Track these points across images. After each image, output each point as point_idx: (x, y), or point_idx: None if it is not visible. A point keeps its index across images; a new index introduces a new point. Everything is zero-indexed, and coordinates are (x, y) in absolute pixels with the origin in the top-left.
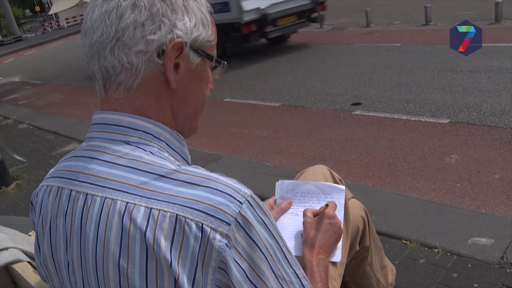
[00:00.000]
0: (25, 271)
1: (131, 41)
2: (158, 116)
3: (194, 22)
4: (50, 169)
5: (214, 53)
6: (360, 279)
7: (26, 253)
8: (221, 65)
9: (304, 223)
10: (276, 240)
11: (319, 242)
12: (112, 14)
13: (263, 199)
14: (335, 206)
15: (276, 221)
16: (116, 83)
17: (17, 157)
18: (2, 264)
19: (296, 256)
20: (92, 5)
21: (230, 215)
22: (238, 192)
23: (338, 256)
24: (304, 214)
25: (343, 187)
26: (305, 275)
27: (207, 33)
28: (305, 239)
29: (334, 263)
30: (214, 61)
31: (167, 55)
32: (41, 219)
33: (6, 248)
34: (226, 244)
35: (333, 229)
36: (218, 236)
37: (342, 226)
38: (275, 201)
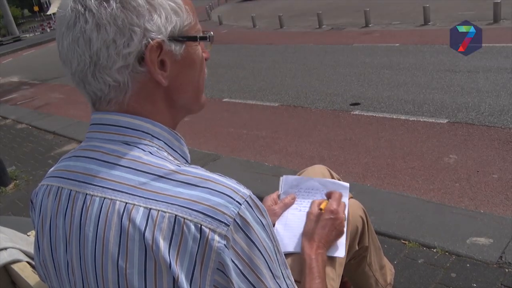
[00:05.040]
0: (24, 271)
1: (108, 62)
2: (155, 116)
3: (165, 15)
4: (49, 169)
5: (197, 29)
6: (359, 279)
7: (25, 253)
8: (208, 39)
9: (307, 214)
10: (272, 241)
11: (318, 235)
12: (80, 42)
13: (261, 199)
14: (338, 199)
15: (279, 216)
16: (106, 100)
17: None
18: (1, 264)
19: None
20: (58, 35)
21: (229, 216)
22: (237, 193)
23: (341, 251)
24: (311, 205)
25: (347, 184)
26: (289, 274)
27: (181, 19)
28: (305, 231)
29: (333, 264)
30: (198, 40)
31: (148, 60)
32: (41, 219)
33: (5, 248)
34: (224, 245)
35: (333, 224)
36: (216, 237)
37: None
38: (278, 196)
